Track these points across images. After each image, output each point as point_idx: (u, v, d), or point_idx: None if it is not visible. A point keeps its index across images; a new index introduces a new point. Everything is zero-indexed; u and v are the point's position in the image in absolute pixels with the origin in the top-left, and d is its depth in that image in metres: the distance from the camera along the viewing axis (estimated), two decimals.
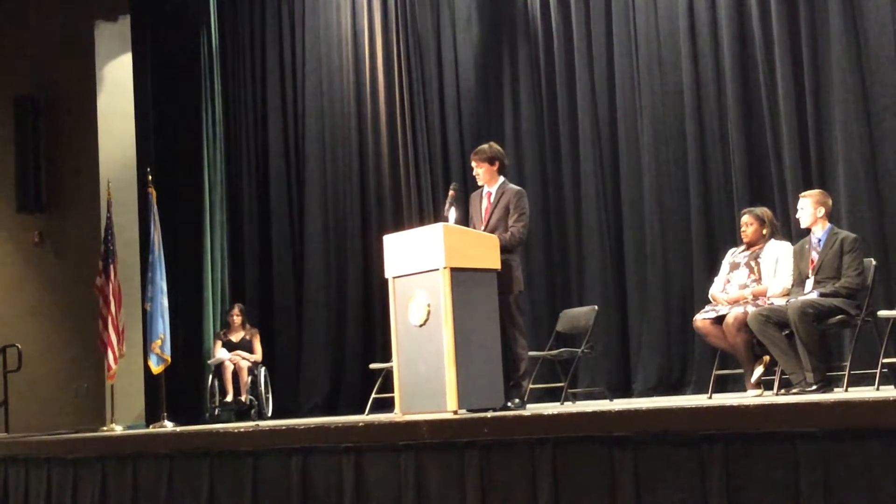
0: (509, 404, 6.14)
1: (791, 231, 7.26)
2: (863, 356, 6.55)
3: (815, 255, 6.35)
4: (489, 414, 5.55)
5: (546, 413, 4.87)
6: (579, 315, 8.21)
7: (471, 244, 6.10)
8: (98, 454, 6.63)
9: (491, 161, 6.60)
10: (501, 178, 6.64)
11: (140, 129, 10.79)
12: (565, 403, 7.68)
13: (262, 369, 10.34)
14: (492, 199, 6.58)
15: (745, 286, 6.64)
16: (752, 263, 6.70)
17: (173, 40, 11.48)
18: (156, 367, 9.40)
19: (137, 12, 10.96)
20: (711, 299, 6.79)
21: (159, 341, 9.35)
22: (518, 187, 6.68)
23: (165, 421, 9.09)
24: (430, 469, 5.00)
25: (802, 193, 6.65)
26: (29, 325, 10.51)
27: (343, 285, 10.53)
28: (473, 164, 6.66)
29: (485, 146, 6.72)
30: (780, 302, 6.32)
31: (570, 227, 9.24)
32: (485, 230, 6.42)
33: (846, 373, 6.23)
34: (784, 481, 3.98)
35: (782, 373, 6.22)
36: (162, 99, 11.26)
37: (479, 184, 6.68)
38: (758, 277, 6.64)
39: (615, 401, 7.87)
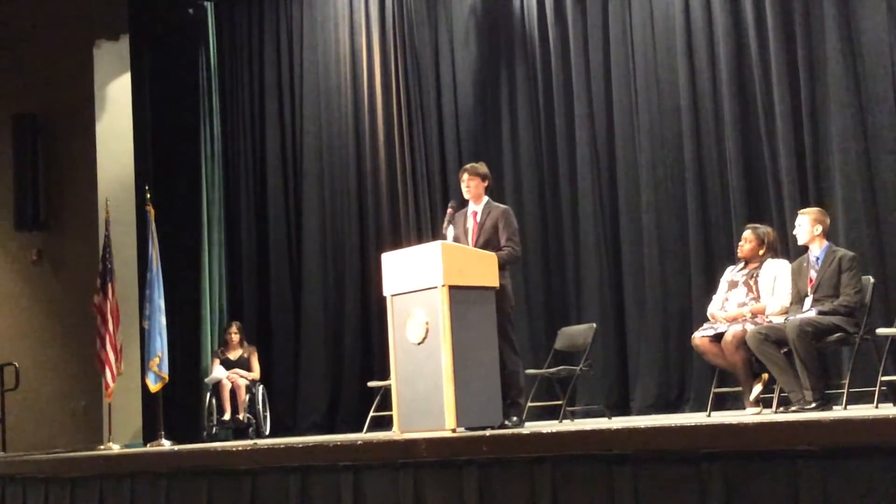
0: (507, 422, 6.14)
1: (789, 248, 7.27)
2: (861, 374, 6.56)
3: (813, 273, 6.36)
4: (488, 432, 5.55)
5: (545, 431, 4.86)
6: (577, 333, 8.21)
7: (469, 262, 6.10)
8: (95, 473, 6.60)
9: (483, 177, 6.67)
10: (486, 197, 6.68)
11: (138, 148, 10.79)
12: (564, 421, 7.67)
13: (260, 387, 10.32)
14: (478, 219, 6.60)
15: (744, 304, 6.64)
16: (751, 281, 6.70)
17: (172, 59, 11.51)
18: (153, 386, 9.39)
19: (136, 31, 10.97)
20: (710, 317, 6.78)
21: (157, 359, 9.34)
22: (504, 205, 6.72)
23: (163, 439, 9.07)
24: (428, 487, 4.99)
25: (800, 211, 6.67)
26: (26, 344, 10.49)
27: (341, 303, 10.53)
28: (466, 176, 6.67)
29: (476, 164, 6.79)
30: (779, 320, 6.32)
31: (567, 245, 9.25)
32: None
33: (845, 391, 6.24)
34: (783, 499, 3.97)
35: (781, 391, 6.22)
36: (160, 117, 11.27)
37: (466, 198, 6.70)
38: (756, 296, 6.64)
39: (614, 419, 7.86)
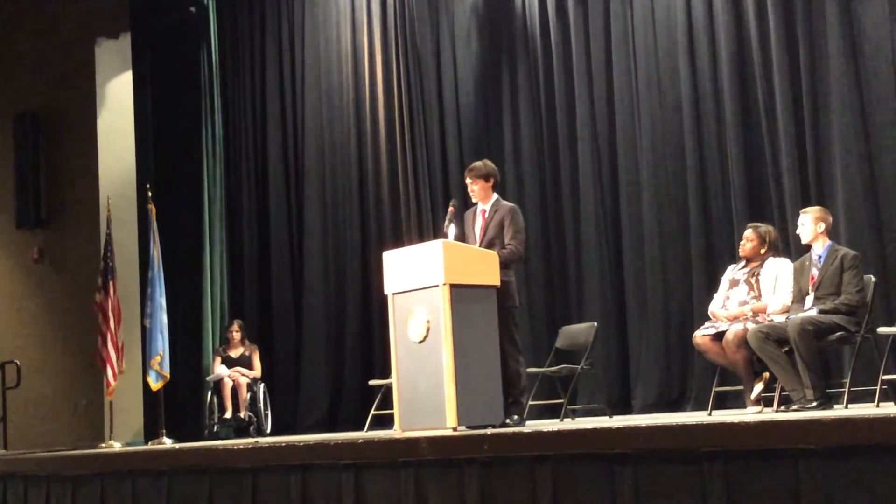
0: (508, 421, 6.14)
1: (791, 247, 7.27)
2: (862, 373, 6.55)
3: (815, 272, 6.36)
4: (489, 430, 5.55)
5: (546, 430, 4.87)
6: (579, 331, 8.21)
7: (470, 260, 6.10)
8: (97, 471, 6.61)
9: (486, 178, 6.61)
10: (495, 195, 6.65)
11: (140, 146, 10.80)
12: (565, 420, 7.67)
13: (262, 386, 10.33)
14: (486, 216, 6.58)
15: (745, 303, 6.64)
16: (752, 280, 6.70)
17: (173, 57, 11.52)
18: (155, 384, 9.41)
19: (138, 29, 10.99)
20: (711, 316, 6.78)
21: (158, 357, 9.35)
22: (512, 204, 6.68)
23: (164, 437, 9.09)
24: (429, 486, 4.99)
25: (803, 209, 6.67)
26: (28, 342, 10.50)
27: (342, 301, 10.53)
28: (468, 180, 6.65)
29: (478, 163, 6.71)
30: (780, 319, 6.32)
31: (569, 243, 9.25)
32: (480, 247, 6.42)
33: (846, 389, 6.24)
34: (784, 498, 3.97)
35: (782, 389, 6.21)
36: (162, 115, 11.29)
37: (474, 201, 6.68)
38: (757, 294, 6.64)
39: (615, 417, 7.86)
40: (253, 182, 11.31)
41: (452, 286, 5.91)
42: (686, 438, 4.25)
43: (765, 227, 6.88)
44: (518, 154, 9.59)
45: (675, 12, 8.68)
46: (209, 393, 10.30)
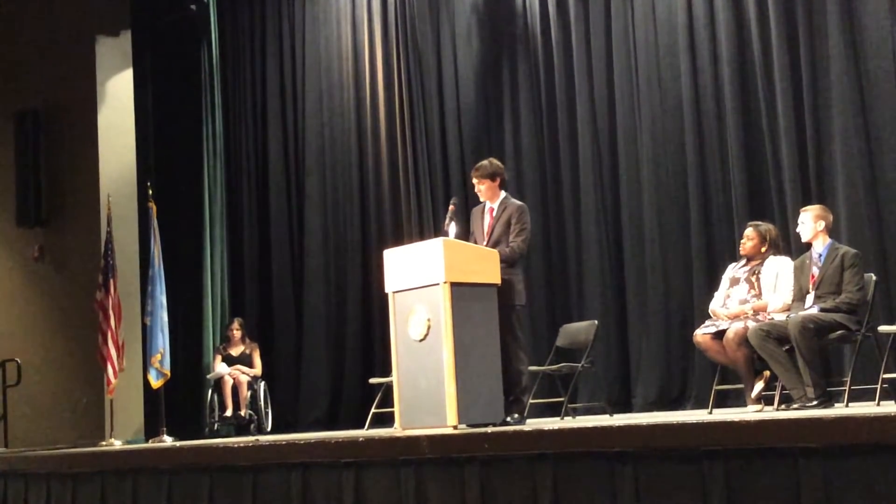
0: (509, 419, 6.14)
1: (791, 246, 7.27)
2: (863, 371, 6.55)
3: (815, 270, 6.35)
4: (489, 429, 5.56)
5: (546, 428, 4.86)
6: (579, 330, 8.20)
7: (471, 259, 6.10)
8: (97, 469, 6.61)
9: (492, 177, 6.59)
10: (503, 194, 6.63)
11: (140, 144, 10.80)
12: (565, 418, 7.67)
13: (262, 384, 10.33)
14: (494, 215, 6.57)
15: (745, 301, 6.64)
16: (752, 279, 6.70)
17: (174, 55, 11.51)
18: (155, 382, 9.41)
19: (138, 27, 10.98)
20: (711, 314, 6.78)
21: (159, 356, 9.36)
22: (520, 202, 6.67)
23: (165, 436, 9.10)
24: (430, 484, 4.99)
25: (803, 208, 6.67)
26: (28, 340, 10.50)
27: (343, 299, 10.53)
28: (475, 180, 6.63)
29: (485, 162, 6.69)
30: (781, 317, 6.32)
31: (569, 242, 9.24)
32: (486, 245, 6.41)
33: (847, 388, 6.23)
34: (785, 497, 3.97)
35: (783, 388, 6.21)
36: (162, 113, 11.28)
37: (481, 200, 6.67)
38: (758, 293, 6.64)
39: (615, 416, 7.86)
40: (253, 180, 11.30)
41: (453, 284, 5.92)
42: (686, 437, 4.25)
43: (765, 226, 6.87)
44: (518, 152, 9.58)
45: (675, 10, 8.67)
46: (209, 391, 10.30)
